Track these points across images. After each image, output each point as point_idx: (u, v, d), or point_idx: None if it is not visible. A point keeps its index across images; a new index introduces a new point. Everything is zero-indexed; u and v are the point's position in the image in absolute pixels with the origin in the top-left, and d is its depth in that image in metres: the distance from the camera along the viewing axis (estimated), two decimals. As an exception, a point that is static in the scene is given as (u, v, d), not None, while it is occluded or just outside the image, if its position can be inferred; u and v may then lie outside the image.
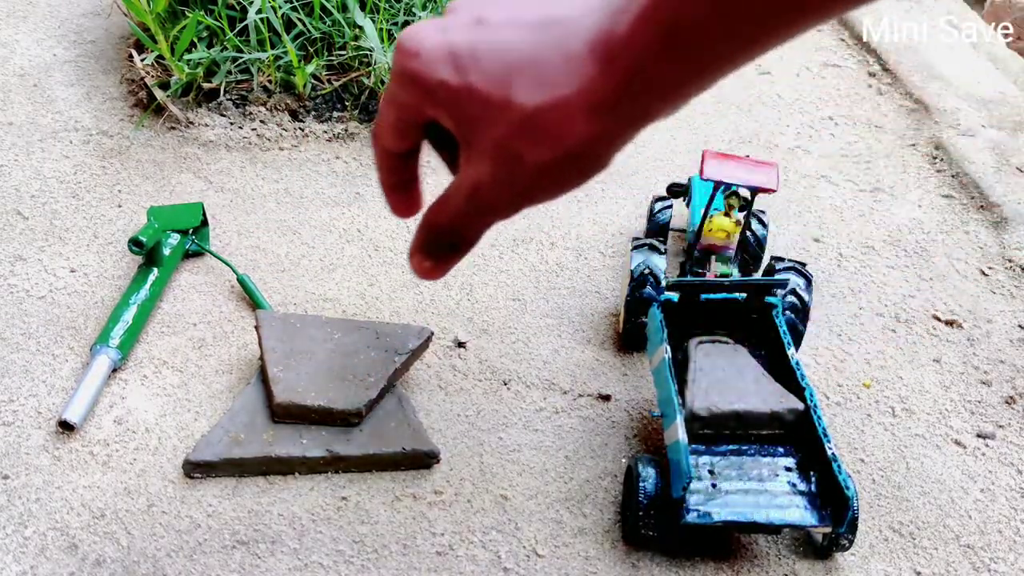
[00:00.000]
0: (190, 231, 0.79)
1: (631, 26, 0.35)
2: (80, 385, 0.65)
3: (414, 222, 0.92)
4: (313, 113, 0.98)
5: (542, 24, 0.39)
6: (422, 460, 0.63)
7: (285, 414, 0.62)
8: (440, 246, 0.49)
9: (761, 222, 0.80)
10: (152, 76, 0.98)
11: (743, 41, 0.35)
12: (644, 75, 0.35)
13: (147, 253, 0.73)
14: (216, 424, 0.63)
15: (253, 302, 0.75)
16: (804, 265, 0.72)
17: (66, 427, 0.63)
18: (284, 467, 0.62)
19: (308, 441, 0.62)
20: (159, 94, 0.95)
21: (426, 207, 0.49)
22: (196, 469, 0.61)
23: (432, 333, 0.70)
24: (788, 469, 0.60)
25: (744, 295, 0.68)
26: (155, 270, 0.74)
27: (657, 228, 0.83)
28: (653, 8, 0.34)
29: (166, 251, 0.76)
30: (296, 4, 0.99)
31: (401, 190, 0.51)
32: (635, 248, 0.73)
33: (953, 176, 1.01)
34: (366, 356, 0.66)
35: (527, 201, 0.43)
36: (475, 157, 0.42)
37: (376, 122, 0.47)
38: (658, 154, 1.01)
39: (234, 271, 0.77)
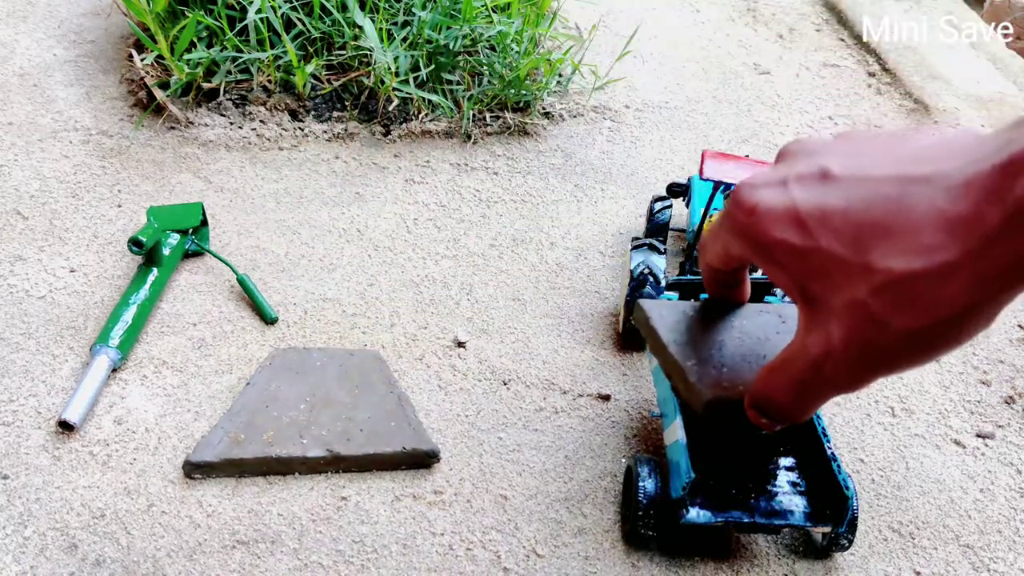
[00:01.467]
0: (190, 231, 0.79)
1: None
2: (80, 385, 0.65)
3: (415, 223, 0.94)
4: (313, 113, 0.98)
5: (902, 181, 0.35)
6: (422, 459, 0.63)
7: (715, 410, 0.54)
8: (775, 413, 0.45)
9: (761, 222, 0.80)
10: (152, 76, 0.98)
11: None
12: None
13: (147, 253, 0.73)
14: (216, 424, 0.63)
15: (253, 302, 0.75)
16: (804, 265, 0.72)
17: (66, 427, 0.63)
18: (284, 467, 0.62)
19: (308, 441, 0.62)
20: (159, 94, 0.95)
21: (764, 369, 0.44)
22: (196, 470, 0.61)
23: None
24: (788, 469, 0.60)
25: (744, 295, 0.68)
26: (155, 270, 0.74)
27: (657, 228, 0.83)
28: None
29: (166, 251, 0.76)
30: (296, 4, 0.99)
31: (726, 292, 0.53)
32: (635, 248, 0.73)
33: (953, 176, 1.01)
34: (778, 342, 0.59)
35: (885, 370, 0.38)
36: (823, 320, 0.38)
37: (704, 242, 0.46)
38: (658, 154, 1.01)
39: (234, 271, 0.77)
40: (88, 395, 0.64)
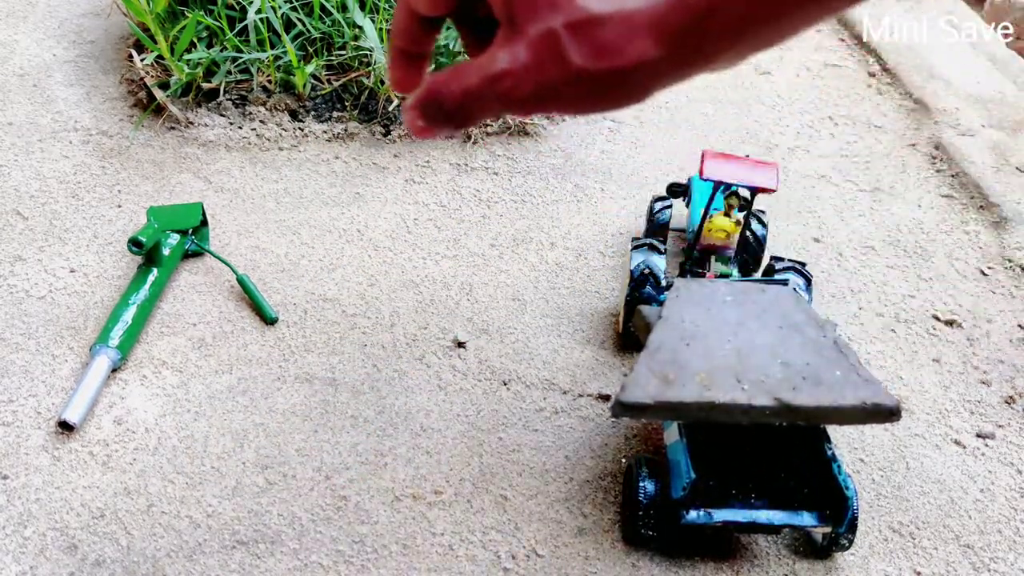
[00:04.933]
0: (190, 231, 0.79)
1: None
2: (80, 385, 0.65)
3: (415, 223, 0.94)
4: (313, 113, 0.98)
5: None
6: (884, 416, 0.53)
7: None
8: (438, 112, 0.44)
9: (761, 222, 0.80)
10: (152, 76, 0.98)
11: None
12: (716, 9, 0.33)
13: (147, 253, 0.73)
14: (636, 363, 0.55)
15: (253, 302, 0.75)
16: (804, 265, 0.72)
17: (66, 427, 0.63)
18: (724, 415, 0.53)
19: (749, 387, 0.53)
20: (159, 94, 0.95)
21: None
22: (627, 411, 0.52)
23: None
24: (788, 469, 0.60)
25: (744, 295, 0.68)
26: (155, 270, 0.74)
27: (657, 228, 0.83)
28: None
29: (166, 251, 0.76)
30: (296, 4, 0.99)
31: (409, 61, 0.52)
32: (635, 248, 0.73)
33: (953, 176, 1.01)
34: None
35: (549, 105, 0.39)
36: (515, 41, 0.39)
37: None
38: (658, 154, 1.01)
39: (234, 271, 0.77)
40: (88, 395, 0.64)
